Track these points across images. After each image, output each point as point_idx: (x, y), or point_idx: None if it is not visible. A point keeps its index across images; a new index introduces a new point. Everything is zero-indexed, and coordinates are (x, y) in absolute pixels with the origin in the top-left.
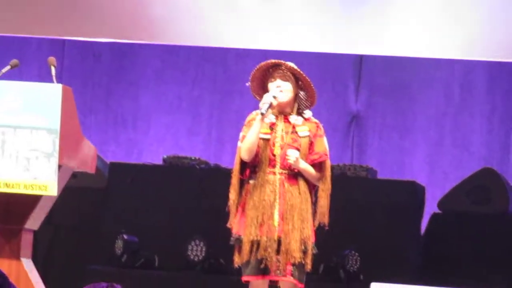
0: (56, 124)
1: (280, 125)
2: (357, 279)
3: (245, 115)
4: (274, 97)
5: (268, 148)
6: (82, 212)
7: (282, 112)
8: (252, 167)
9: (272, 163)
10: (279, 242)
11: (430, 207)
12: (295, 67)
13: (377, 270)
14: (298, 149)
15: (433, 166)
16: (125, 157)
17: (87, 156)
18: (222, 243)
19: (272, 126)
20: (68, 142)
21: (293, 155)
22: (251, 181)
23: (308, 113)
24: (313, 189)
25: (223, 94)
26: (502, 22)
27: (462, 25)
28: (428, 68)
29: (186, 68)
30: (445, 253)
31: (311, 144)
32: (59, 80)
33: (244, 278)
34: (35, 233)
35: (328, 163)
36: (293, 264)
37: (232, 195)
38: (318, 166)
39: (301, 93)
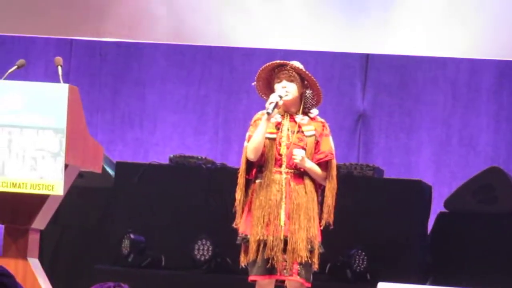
0: (63, 124)
1: (286, 125)
2: (364, 279)
3: (251, 114)
4: (280, 96)
5: (274, 148)
6: (89, 212)
7: (288, 111)
8: (258, 167)
9: (278, 163)
10: (285, 242)
11: (437, 206)
12: (301, 66)
13: (384, 269)
14: (304, 149)
15: (439, 165)
16: (132, 157)
17: (94, 156)
18: (229, 242)
19: (278, 126)
20: (74, 142)
21: (299, 154)
22: (258, 181)
23: (314, 112)
24: (319, 188)
25: (229, 93)
26: (509, 20)
27: (469, 24)
28: (435, 67)
29: (193, 67)
30: (452, 252)
31: (317, 143)
32: (66, 80)
33: (251, 278)
34: (42, 232)
35: (334, 162)
36: (300, 264)
37: (238, 195)
38: (324, 165)
39: (307, 92)
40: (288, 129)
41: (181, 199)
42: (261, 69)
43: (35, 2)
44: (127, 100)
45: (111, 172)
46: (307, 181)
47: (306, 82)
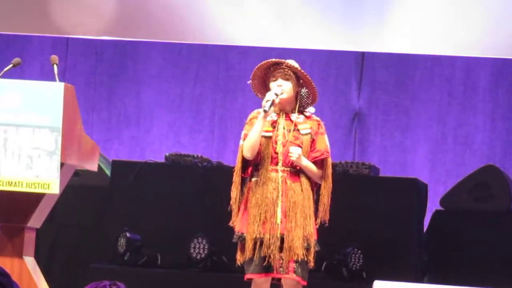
0: (59, 122)
1: (282, 123)
2: (360, 277)
3: (247, 113)
4: (276, 95)
5: (271, 146)
6: (85, 210)
7: (284, 110)
8: (254, 165)
9: (274, 161)
10: (282, 240)
11: (433, 205)
12: (296, 65)
13: (380, 267)
14: (300, 147)
15: (435, 164)
16: (128, 155)
17: (90, 154)
18: (225, 241)
19: (273, 124)
20: (70, 140)
21: (295, 152)
22: (254, 179)
23: (311, 110)
24: (314, 186)
25: (225, 92)
26: (505, 18)
27: (465, 22)
28: (430, 65)
29: (188, 66)
30: (447, 251)
31: (312, 141)
32: (62, 79)
33: (247, 276)
34: (38, 231)
35: (330, 161)
36: (296, 261)
37: (234, 193)
38: (320, 163)
39: (303, 91)
40: (284, 128)
41: (177, 197)
42: (256, 67)
43: (31, 0)
44: (123, 98)
45: (107, 170)
46: (303, 179)
47: (301, 81)
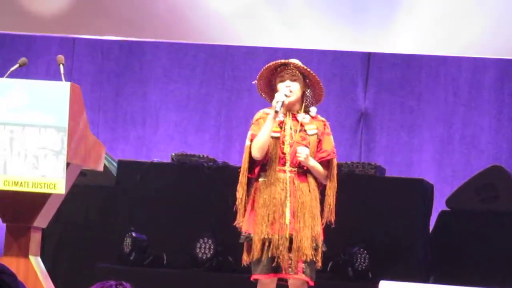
0: (65, 122)
1: (289, 123)
2: (365, 277)
3: (253, 113)
4: (286, 95)
5: (278, 146)
6: (91, 210)
7: (290, 110)
8: (261, 165)
9: (282, 161)
10: (290, 240)
11: (439, 205)
12: (304, 66)
13: (385, 268)
14: (307, 147)
15: (441, 164)
16: (135, 155)
17: (96, 154)
18: (231, 241)
19: (280, 125)
20: (76, 140)
21: (303, 152)
22: (261, 179)
23: (313, 110)
24: (320, 186)
25: (231, 92)
26: (510, 19)
27: (471, 22)
28: (436, 65)
29: (194, 66)
30: (453, 251)
31: (319, 142)
32: (68, 78)
33: (255, 277)
34: (44, 231)
35: (335, 161)
36: (305, 262)
37: (240, 193)
38: (325, 164)
39: (307, 91)
40: (291, 128)
41: (183, 197)
42: (264, 67)
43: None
44: (129, 98)
45: (113, 170)
46: (311, 180)
47: (308, 81)
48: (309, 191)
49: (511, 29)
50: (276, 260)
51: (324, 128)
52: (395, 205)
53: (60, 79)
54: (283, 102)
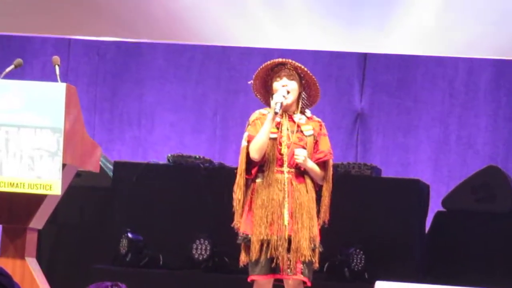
0: (60, 123)
1: (286, 124)
2: (361, 278)
3: (249, 113)
4: (284, 96)
5: (275, 147)
6: (87, 211)
7: (287, 111)
8: (258, 166)
9: (279, 162)
10: (289, 241)
11: (435, 205)
12: (302, 65)
13: (381, 268)
14: (304, 148)
15: (437, 164)
16: (131, 156)
17: (92, 155)
18: (227, 242)
19: (277, 126)
20: (72, 141)
21: (301, 154)
22: (258, 180)
23: (308, 112)
24: (316, 187)
25: (227, 92)
26: (506, 19)
27: (467, 23)
28: (432, 66)
29: (190, 66)
30: (449, 251)
31: (315, 142)
32: (64, 79)
33: (253, 277)
34: (40, 232)
35: (331, 162)
36: (303, 262)
37: (238, 194)
38: (322, 164)
39: (303, 93)
40: (287, 129)
41: (179, 198)
42: (261, 67)
43: (33, 1)
44: (125, 99)
45: (109, 171)
46: (308, 180)
47: (304, 81)
48: (307, 191)
49: (507, 29)
50: (275, 261)
51: (320, 129)
52: (391, 206)
53: (56, 80)
54: (281, 103)
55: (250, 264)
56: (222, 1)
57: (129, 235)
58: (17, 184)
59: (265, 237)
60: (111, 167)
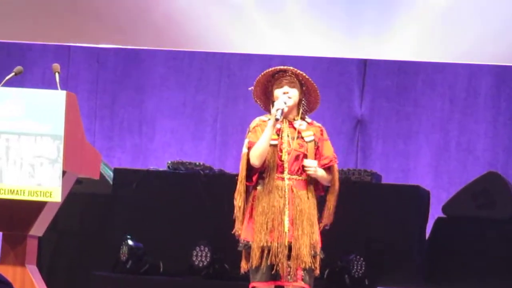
0: (60, 131)
1: (286, 131)
2: (362, 284)
3: (249, 119)
4: (285, 103)
5: (276, 154)
6: (87, 218)
7: (287, 117)
8: (259, 173)
9: (280, 169)
10: (289, 248)
11: (435, 212)
12: (303, 72)
13: (382, 274)
14: (305, 154)
15: (438, 171)
16: (131, 163)
17: (92, 162)
18: (227, 248)
19: (277, 132)
20: (72, 148)
21: (312, 166)
22: (259, 187)
23: (308, 118)
24: (321, 192)
25: (227, 99)
26: (506, 26)
27: (467, 29)
28: (432, 72)
29: (190, 73)
30: (450, 258)
31: (317, 148)
32: (64, 87)
33: (254, 284)
34: (40, 239)
35: (336, 167)
36: (304, 269)
37: (239, 201)
38: (327, 169)
39: (303, 99)
40: (288, 135)
41: (179, 205)
42: (262, 74)
43: (33, 8)
44: (125, 106)
45: (109, 178)
46: (309, 187)
47: (304, 88)
48: (308, 198)
49: (507, 35)
50: (275, 267)
51: (322, 134)
52: (391, 212)
53: (56, 88)
54: (282, 110)
55: (251, 271)
56: (222, 8)
57: (129, 242)
58: (17, 191)
59: (266, 244)
60: (111, 174)
